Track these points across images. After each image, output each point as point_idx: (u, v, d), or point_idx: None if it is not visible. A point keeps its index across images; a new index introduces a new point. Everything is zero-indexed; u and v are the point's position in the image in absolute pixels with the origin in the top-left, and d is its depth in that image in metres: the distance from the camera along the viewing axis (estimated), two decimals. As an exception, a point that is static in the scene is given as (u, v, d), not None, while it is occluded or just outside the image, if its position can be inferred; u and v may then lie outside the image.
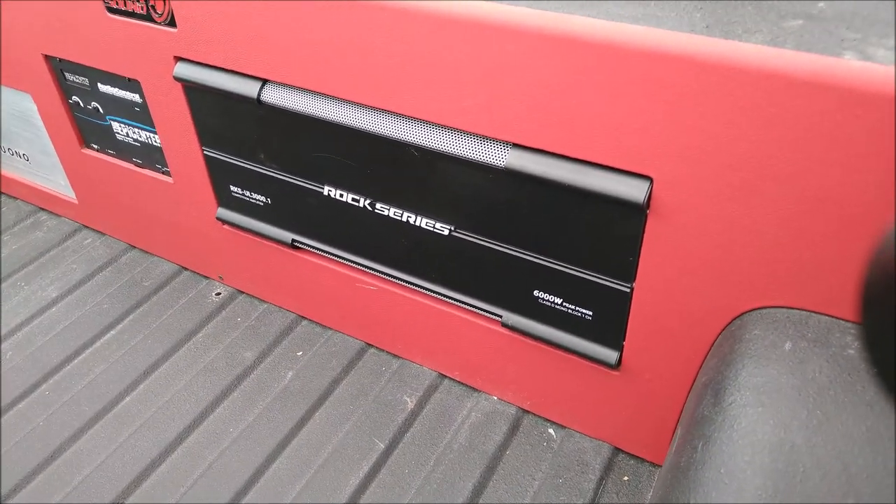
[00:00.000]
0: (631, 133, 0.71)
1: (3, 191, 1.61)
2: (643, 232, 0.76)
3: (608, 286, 0.83)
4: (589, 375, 0.94)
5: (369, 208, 0.98)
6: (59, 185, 1.47)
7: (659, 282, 0.79)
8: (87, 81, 1.20)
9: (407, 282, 1.03)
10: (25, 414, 1.13)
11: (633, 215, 0.75)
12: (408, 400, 1.10)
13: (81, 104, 1.25)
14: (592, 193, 0.76)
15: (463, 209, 0.89)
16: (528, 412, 1.07)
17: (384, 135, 0.88)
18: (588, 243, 0.81)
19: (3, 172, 1.56)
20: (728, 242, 0.72)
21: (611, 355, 0.89)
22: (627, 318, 0.85)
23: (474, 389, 1.11)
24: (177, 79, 1.04)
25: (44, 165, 1.46)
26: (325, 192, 1.01)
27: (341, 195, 1.00)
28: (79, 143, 1.32)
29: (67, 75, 1.22)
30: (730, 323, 0.77)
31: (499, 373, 1.05)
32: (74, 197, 1.46)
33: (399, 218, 0.96)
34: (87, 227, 1.51)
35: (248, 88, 0.97)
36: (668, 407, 0.89)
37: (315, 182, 1.02)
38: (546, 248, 0.86)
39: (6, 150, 1.50)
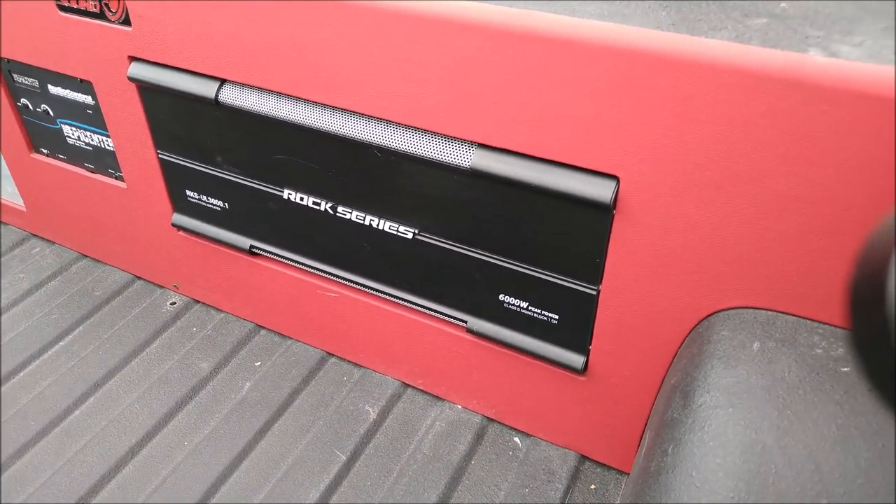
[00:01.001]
0: (597, 132, 0.70)
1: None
2: (609, 233, 0.75)
3: (574, 289, 0.82)
4: (555, 381, 0.92)
5: (331, 212, 0.96)
6: (6, 192, 1.41)
7: (625, 283, 0.78)
8: (36, 83, 1.16)
9: (369, 288, 1.01)
10: (-35, 429, 1.07)
11: (599, 216, 0.74)
12: (370, 410, 1.07)
13: (30, 107, 1.20)
14: (558, 194, 0.75)
15: (427, 212, 0.88)
16: (493, 420, 1.05)
17: (345, 135, 0.86)
18: (554, 245, 0.80)
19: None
20: (695, 242, 0.71)
21: (577, 360, 0.87)
22: (594, 322, 0.84)
23: (438, 398, 1.09)
24: (131, 79, 1.00)
25: (-10, 172, 1.40)
26: (285, 196, 0.99)
27: (302, 199, 0.97)
28: (27, 147, 1.27)
29: (16, 77, 1.18)
30: (697, 324, 0.76)
31: (463, 380, 1.03)
32: (23, 205, 1.40)
33: (361, 221, 0.94)
34: (37, 235, 1.45)
35: (206, 89, 0.94)
36: (635, 412, 0.88)
37: (274, 185, 0.99)
38: (512, 251, 0.84)
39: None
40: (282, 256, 1.07)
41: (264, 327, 1.22)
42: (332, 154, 0.90)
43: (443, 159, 0.80)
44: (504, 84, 0.72)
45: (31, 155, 1.28)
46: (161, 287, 1.32)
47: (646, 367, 0.83)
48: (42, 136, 1.24)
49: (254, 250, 1.09)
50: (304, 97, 0.88)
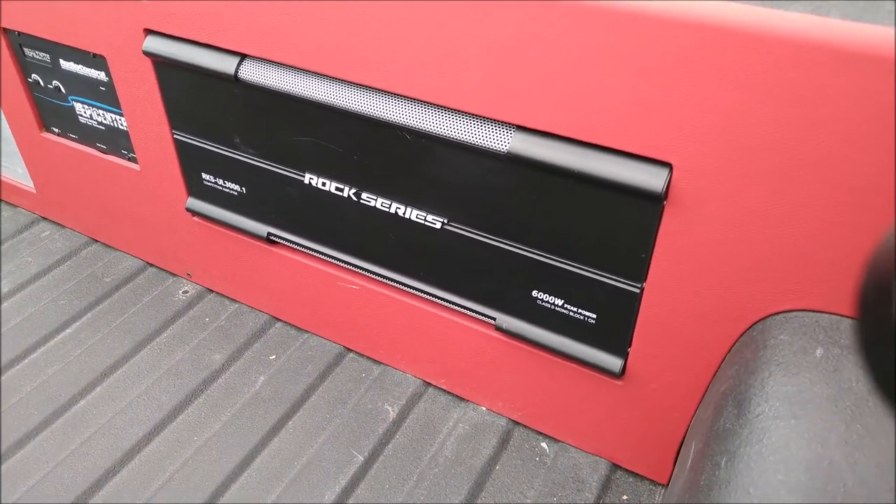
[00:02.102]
0: (649, 113, 0.64)
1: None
2: (658, 225, 0.69)
3: (615, 286, 0.76)
4: (588, 384, 0.87)
5: (354, 199, 0.91)
6: (16, 173, 1.37)
7: (672, 281, 0.72)
8: (48, 58, 1.11)
9: (393, 281, 0.96)
10: (-34, 418, 1.03)
11: (648, 206, 0.68)
12: (389, 409, 1.02)
13: (41, 83, 1.16)
14: (604, 182, 0.69)
15: (458, 200, 0.82)
16: (519, 424, 0.99)
17: (373, 116, 0.81)
18: (596, 238, 0.74)
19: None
20: (754, 237, 0.65)
21: (614, 363, 0.81)
22: (635, 322, 0.78)
23: (461, 399, 1.03)
24: (146, 53, 0.95)
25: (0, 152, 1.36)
26: (306, 181, 0.93)
27: (323, 184, 0.92)
28: (38, 126, 1.23)
29: (27, 51, 1.13)
30: (750, 327, 0.70)
31: (489, 381, 0.97)
32: (32, 186, 1.35)
33: (387, 209, 0.88)
34: (46, 218, 1.41)
35: (225, 64, 0.89)
36: (674, 419, 0.82)
37: (295, 169, 0.94)
38: (548, 244, 0.78)
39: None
40: (301, 245, 1.02)
41: (280, 319, 1.17)
42: (357, 136, 0.85)
43: (477, 143, 0.75)
44: (547, 60, 0.67)
45: (42, 134, 1.23)
46: (173, 275, 1.27)
47: (690, 371, 0.77)
48: (53, 115, 1.19)
49: (271, 238, 1.04)
50: (329, 74, 0.82)
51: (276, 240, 1.04)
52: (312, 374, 1.08)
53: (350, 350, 1.12)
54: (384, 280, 0.96)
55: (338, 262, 1.00)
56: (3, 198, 1.45)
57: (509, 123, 0.73)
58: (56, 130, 1.22)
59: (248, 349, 1.13)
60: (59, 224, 1.39)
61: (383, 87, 0.79)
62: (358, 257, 0.98)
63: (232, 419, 1.01)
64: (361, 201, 0.90)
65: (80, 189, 1.26)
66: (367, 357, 1.10)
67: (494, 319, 0.89)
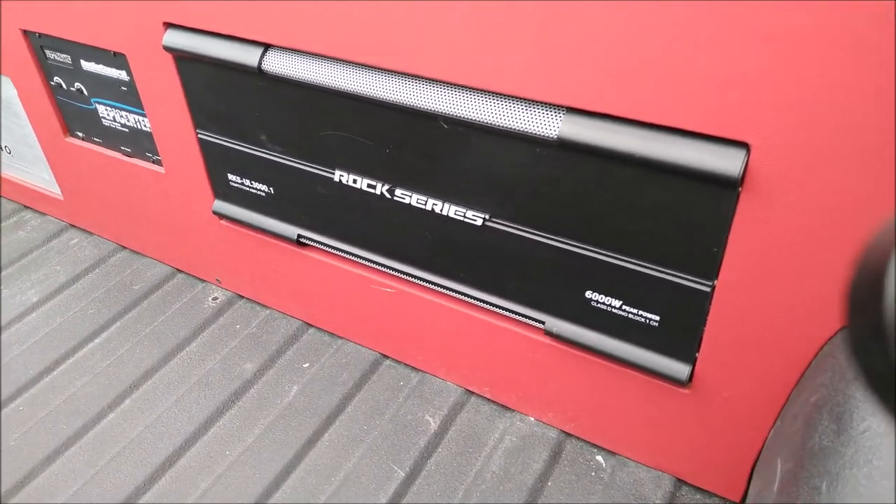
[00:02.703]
0: (724, 86, 0.56)
1: (-15, 187, 1.48)
2: (733, 215, 0.61)
3: (682, 285, 0.68)
4: (650, 393, 0.79)
5: (388, 196, 0.84)
6: (42, 179, 1.34)
7: (748, 278, 0.64)
8: (69, 59, 1.07)
9: (431, 283, 0.89)
10: (-8, 434, 0.99)
11: (721, 194, 0.60)
12: (430, 420, 0.95)
13: (64, 86, 1.12)
14: (669, 167, 0.61)
15: (501, 194, 0.75)
16: (571, 436, 0.92)
17: (406, 104, 0.74)
18: (660, 232, 0.66)
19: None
20: (843, 226, 0.57)
21: (681, 370, 0.73)
22: (704, 325, 0.70)
23: (507, 408, 0.96)
24: (167, 49, 0.90)
25: (26, 158, 1.32)
26: (336, 178, 0.87)
27: (355, 181, 0.86)
28: (62, 130, 1.19)
29: (48, 53, 1.09)
30: (842, 328, 0.61)
31: (538, 389, 0.90)
32: (60, 193, 1.32)
33: (423, 206, 0.82)
34: (75, 226, 1.37)
35: (248, 56, 0.83)
36: (749, 432, 0.74)
37: (324, 167, 0.88)
38: (604, 240, 0.71)
39: (-12, 142, 1.37)
40: (332, 247, 0.96)
41: (313, 325, 1.11)
42: (389, 128, 0.78)
43: (522, 129, 0.67)
44: (600, 31, 0.59)
45: (66, 139, 1.19)
46: (203, 281, 1.22)
47: (768, 379, 0.69)
48: (77, 118, 1.15)
49: (301, 240, 0.98)
50: (357, 61, 0.76)
51: (307, 242, 0.98)
52: (348, 382, 1.02)
53: (386, 357, 1.05)
54: (421, 282, 0.90)
55: (371, 265, 0.93)
56: (32, 206, 1.42)
57: (558, 105, 0.66)
58: (80, 134, 1.18)
59: (281, 357, 1.07)
60: (87, 231, 1.35)
61: (417, 72, 0.72)
62: (392, 259, 0.91)
63: (265, 432, 0.96)
64: (395, 198, 0.83)
65: (106, 195, 1.22)
66: (405, 364, 1.04)
67: (543, 323, 0.81)
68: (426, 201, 0.81)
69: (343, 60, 0.78)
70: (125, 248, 1.31)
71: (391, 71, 0.75)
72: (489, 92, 0.69)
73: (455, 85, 0.71)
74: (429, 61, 0.70)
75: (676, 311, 0.71)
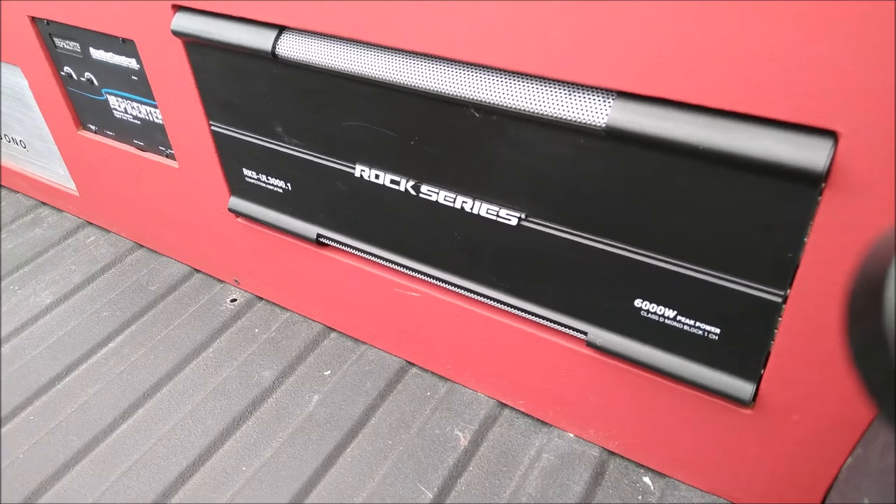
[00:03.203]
0: (809, 65, 0.47)
1: (3, 184, 1.44)
2: (814, 216, 0.52)
3: (749, 294, 0.60)
4: (706, 412, 0.70)
5: (412, 192, 0.76)
6: (58, 175, 1.29)
7: (827, 288, 0.55)
8: (78, 47, 1.01)
9: (460, 287, 0.81)
10: (4, 443, 0.93)
11: (802, 191, 0.52)
12: (460, 435, 0.88)
13: (74, 76, 1.06)
14: (739, 161, 0.52)
15: (538, 190, 0.67)
16: (615, 454, 0.84)
17: (433, 91, 0.66)
18: (724, 235, 0.58)
19: (3, 163, 1.38)
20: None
21: (743, 388, 0.65)
22: (773, 339, 0.61)
23: (544, 423, 0.88)
24: (176, 33, 0.83)
25: (41, 153, 1.27)
26: (357, 174, 0.80)
27: (377, 176, 0.78)
28: (75, 123, 1.13)
29: (57, 41, 1.03)
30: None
31: (578, 404, 0.82)
32: (75, 189, 1.27)
33: (451, 204, 0.74)
34: (91, 223, 1.32)
35: (261, 40, 0.76)
36: (822, 458, 0.65)
37: (344, 161, 0.80)
38: (658, 243, 0.62)
39: (4, 136, 1.32)
40: (353, 248, 0.89)
41: (335, 329, 1.05)
42: (414, 117, 0.71)
43: (564, 116, 0.59)
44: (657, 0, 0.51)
45: (79, 132, 1.14)
46: (221, 282, 1.16)
47: (846, 402, 0.60)
48: (88, 110, 1.10)
49: (321, 240, 0.91)
50: (378, 42, 0.68)
51: (327, 242, 0.91)
52: (371, 392, 0.95)
53: (412, 364, 0.98)
54: (449, 287, 0.82)
55: (395, 267, 0.86)
56: (48, 202, 1.37)
57: (607, 89, 0.57)
58: (92, 127, 1.12)
59: (301, 364, 1.00)
60: (104, 229, 1.30)
61: (443, 54, 0.64)
62: (418, 261, 0.84)
63: (283, 446, 0.89)
64: (421, 195, 0.76)
65: (121, 191, 1.16)
66: (433, 373, 0.96)
67: (585, 334, 0.73)
68: (455, 198, 0.73)
69: (363, 43, 0.70)
70: (142, 246, 1.25)
71: (416, 53, 0.67)
72: (525, 75, 0.61)
73: (486, 67, 0.63)
74: (456, 41, 0.62)
75: (741, 323, 0.62)
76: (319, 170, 0.84)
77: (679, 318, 0.66)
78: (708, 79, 0.51)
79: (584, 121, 0.58)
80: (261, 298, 1.11)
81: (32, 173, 1.34)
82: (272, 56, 0.76)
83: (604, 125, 0.57)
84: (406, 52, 0.68)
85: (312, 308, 1.05)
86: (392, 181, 0.77)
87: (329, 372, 0.99)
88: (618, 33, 0.53)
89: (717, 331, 0.64)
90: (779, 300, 0.58)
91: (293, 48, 0.75)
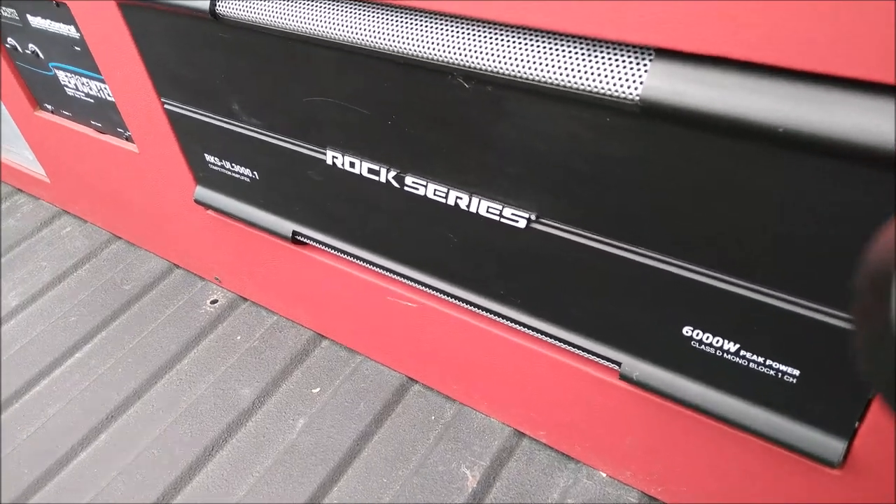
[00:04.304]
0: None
1: (-22, 169, 1.31)
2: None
3: (842, 329, 0.42)
4: (777, 468, 0.54)
5: (395, 185, 0.60)
6: (27, 160, 1.15)
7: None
8: (15, 14, 0.86)
9: (461, 300, 0.65)
10: (-59, 480, 0.82)
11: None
12: (467, 473, 0.73)
13: (19, 48, 0.91)
14: (833, 147, 0.35)
15: (552, 184, 0.50)
16: (657, 501, 0.68)
17: (410, 55, 0.50)
18: (807, 248, 0.41)
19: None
20: None
21: (831, 447, 0.48)
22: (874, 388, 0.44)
23: (570, 458, 0.73)
24: (104, -8, 0.68)
25: (7, 136, 1.14)
26: (329, 161, 0.64)
27: (351, 164, 0.62)
28: (31, 103, 0.99)
29: (-5, 8, 0.88)
30: None
31: (610, 441, 0.66)
32: (45, 174, 1.13)
33: (442, 200, 0.58)
34: (68, 212, 1.19)
35: (198, -4, 0.60)
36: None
37: (313, 145, 0.64)
38: (714, 255, 0.45)
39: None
40: (334, 248, 0.73)
41: (326, 337, 0.90)
42: (389, 90, 0.54)
43: (583, 87, 0.42)
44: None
45: (36, 112, 1.00)
46: (202, 279, 1.02)
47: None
48: (41, 88, 0.95)
49: (297, 238, 0.76)
50: (338, -7, 0.51)
51: (304, 240, 0.76)
52: (365, 415, 0.80)
53: (414, 381, 0.83)
54: (449, 299, 0.66)
55: (384, 272, 0.70)
56: (24, 189, 1.24)
57: (640, 46, 0.40)
58: (49, 107, 0.98)
59: (286, 380, 0.86)
60: (81, 219, 1.17)
61: (421, 6, 0.47)
62: (410, 266, 0.68)
63: (260, 481, 0.75)
64: (406, 188, 0.60)
65: (87, 177, 1.02)
66: (438, 392, 0.81)
67: (619, 364, 0.57)
68: (446, 193, 0.57)
69: (319, -6, 0.54)
70: (120, 238, 1.12)
71: (386, 5, 0.50)
72: (527, 29, 0.44)
73: (477, 21, 0.46)
74: None
75: (830, 364, 0.45)
76: (286, 155, 0.68)
77: (743, 353, 0.49)
78: (790, 30, 0.33)
79: (609, 92, 0.41)
80: (245, 299, 0.97)
81: (4, 158, 1.21)
82: (212, 15, 0.60)
83: (637, 97, 0.40)
84: (374, 3, 0.51)
85: (300, 313, 0.90)
86: (370, 170, 0.61)
87: (318, 390, 0.84)
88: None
89: (796, 372, 0.47)
90: (892, 342, 0.41)
91: (236, 5, 0.58)
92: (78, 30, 0.79)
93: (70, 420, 0.86)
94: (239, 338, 0.92)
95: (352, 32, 0.52)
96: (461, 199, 0.56)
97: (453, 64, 0.47)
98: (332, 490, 0.74)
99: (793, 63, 0.34)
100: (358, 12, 0.52)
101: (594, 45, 0.41)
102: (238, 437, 0.81)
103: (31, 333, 0.99)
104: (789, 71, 0.35)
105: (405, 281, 0.69)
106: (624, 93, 0.40)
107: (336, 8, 0.53)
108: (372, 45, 0.51)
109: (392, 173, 0.60)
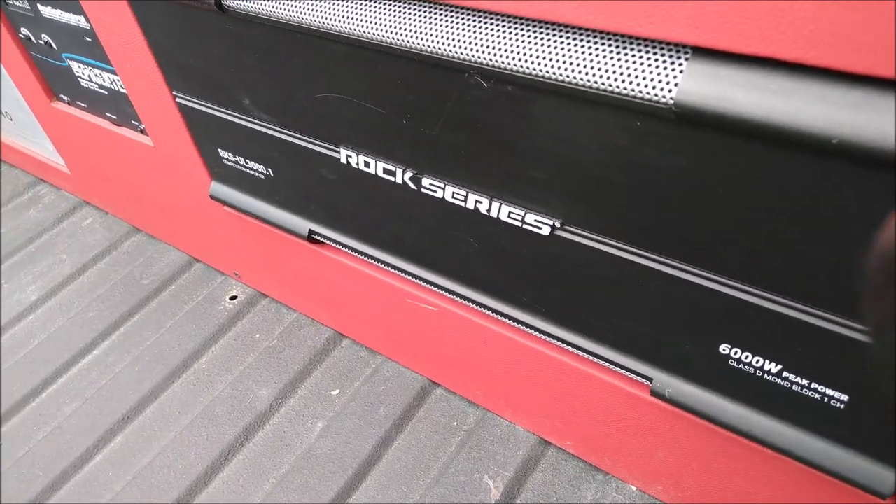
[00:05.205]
0: None
1: (3, 159, 1.31)
2: None
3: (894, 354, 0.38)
4: (822, 498, 0.50)
5: (412, 186, 0.57)
6: (48, 150, 1.14)
7: None
8: (26, 3, 0.84)
9: (483, 306, 0.62)
10: (-41, 480, 0.81)
11: None
12: (490, 484, 0.70)
13: (32, 38, 0.89)
14: (886, 159, 0.31)
15: (577, 190, 0.46)
16: (690, 517, 0.64)
17: (425, 50, 0.46)
18: (851, 266, 0.36)
19: (3, 138, 1.24)
20: None
21: (882, 477, 0.44)
22: (935, 419, 0.40)
23: (598, 470, 0.69)
24: (109, -18, 0.65)
25: (26, 125, 1.13)
26: (343, 159, 0.60)
27: (366, 164, 0.59)
28: (46, 94, 0.97)
29: (6, -3, 0.86)
30: None
31: (641, 454, 0.62)
32: (65, 165, 1.12)
33: (461, 203, 0.54)
34: (89, 203, 1.18)
35: (203, -14, 0.57)
36: None
37: (326, 143, 0.61)
38: (754, 271, 0.41)
39: (-6, 108, 1.18)
40: (351, 248, 0.70)
41: (347, 336, 0.87)
42: (403, 88, 0.50)
43: (610, 88, 0.38)
44: None
45: (52, 104, 0.98)
46: (222, 274, 1.00)
47: None
48: (56, 79, 0.93)
49: (314, 237, 0.73)
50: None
51: (320, 239, 0.73)
52: (385, 420, 0.77)
53: (437, 384, 0.80)
54: (469, 304, 0.63)
55: (402, 274, 0.67)
56: (46, 179, 1.23)
57: (675, 44, 0.36)
58: (65, 98, 0.96)
59: (305, 381, 0.84)
60: (102, 210, 1.16)
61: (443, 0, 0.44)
62: (429, 270, 0.64)
63: (276, 488, 0.73)
64: (423, 190, 0.56)
65: (105, 169, 1.00)
66: (461, 397, 0.78)
67: (650, 381, 0.53)
68: (465, 196, 0.53)
69: (328, -16, 0.50)
70: (140, 230, 1.10)
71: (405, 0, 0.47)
72: (547, 23, 0.40)
73: (495, 15, 0.42)
74: None
75: (882, 391, 0.41)
76: (300, 153, 0.65)
77: (786, 374, 0.45)
78: (850, 27, 0.29)
79: (640, 95, 0.37)
80: (265, 296, 0.95)
81: (26, 147, 1.20)
82: (218, 7, 0.56)
83: (671, 101, 0.36)
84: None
85: (320, 311, 0.87)
86: (385, 171, 0.58)
87: (337, 392, 0.82)
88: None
89: (844, 398, 0.43)
90: (959, 374, 0.37)
91: (243, -5, 0.55)
92: (88, 20, 0.76)
93: (86, 420, 0.85)
94: (258, 336, 0.90)
95: (359, 25, 0.49)
96: (481, 202, 0.53)
97: (469, 61, 0.44)
98: (350, 499, 0.71)
99: (850, 66, 0.30)
100: (366, 4, 0.48)
101: (623, 43, 0.37)
102: (255, 441, 0.79)
103: (49, 329, 0.98)
104: (847, 74, 0.31)
105: (424, 284, 0.66)
106: (657, 96, 0.36)
107: (351, 1, 0.50)
108: (382, 39, 0.48)
109: (408, 174, 0.56)
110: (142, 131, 0.86)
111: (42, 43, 0.88)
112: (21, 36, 0.91)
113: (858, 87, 0.31)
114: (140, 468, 0.78)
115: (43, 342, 0.95)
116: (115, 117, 0.89)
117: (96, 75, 0.84)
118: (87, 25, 0.77)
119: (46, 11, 0.81)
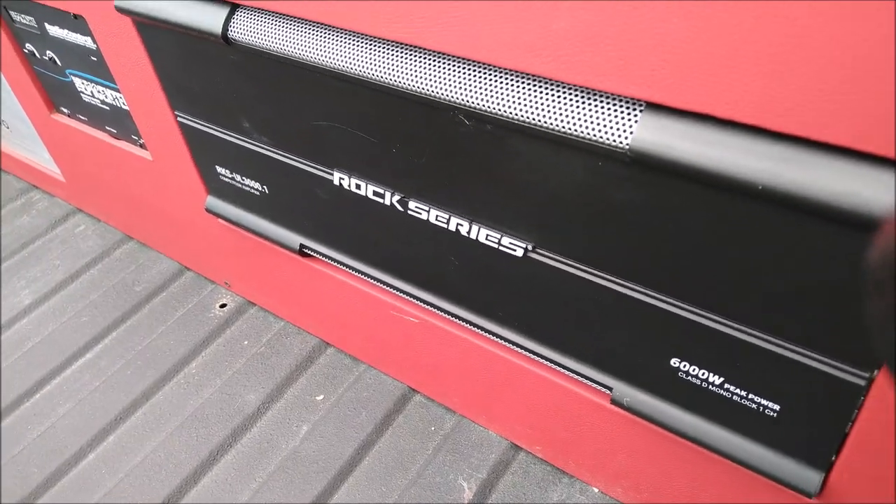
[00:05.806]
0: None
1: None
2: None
3: (822, 372, 0.44)
4: (758, 494, 0.56)
5: (399, 208, 0.62)
6: (43, 158, 1.18)
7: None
8: (34, 22, 0.88)
9: (461, 319, 0.67)
10: (-44, 476, 0.85)
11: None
12: (464, 485, 0.75)
13: (37, 54, 0.93)
14: (816, 206, 0.37)
15: (547, 218, 0.52)
16: (648, 516, 0.70)
17: (412, 90, 0.51)
18: (789, 294, 0.42)
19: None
20: None
21: (807, 478, 0.50)
22: (850, 425, 0.46)
23: (564, 473, 0.75)
24: (120, 10, 0.69)
25: (24, 134, 1.16)
26: (336, 181, 0.66)
27: (357, 186, 0.64)
28: (47, 106, 1.01)
29: (14, 15, 0.91)
30: None
31: (603, 458, 0.68)
32: (60, 173, 1.16)
33: (444, 225, 0.60)
34: (82, 210, 1.21)
35: (210, 20, 0.62)
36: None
37: (321, 166, 0.66)
38: (699, 295, 0.47)
39: (-9, 116, 1.22)
40: (340, 262, 0.75)
41: (332, 345, 0.92)
42: (394, 120, 0.56)
43: (576, 133, 0.44)
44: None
45: (52, 116, 1.02)
46: (212, 282, 1.04)
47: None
48: (58, 92, 0.98)
49: (305, 251, 0.78)
50: (348, 27, 0.53)
51: (311, 254, 0.78)
52: (367, 424, 0.82)
53: (416, 391, 0.85)
54: (449, 316, 0.68)
55: (387, 287, 0.72)
56: (40, 186, 1.27)
57: (632, 99, 0.42)
58: (65, 111, 1.00)
59: (291, 386, 0.88)
60: (95, 218, 1.19)
61: (423, 44, 0.49)
62: (413, 284, 0.70)
63: (262, 487, 0.78)
64: (409, 212, 0.61)
65: (102, 179, 1.05)
66: (438, 403, 0.83)
67: (611, 390, 0.59)
68: (448, 219, 0.59)
69: (328, 27, 0.55)
70: (132, 238, 1.14)
71: (388, 41, 0.52)
72: (524, 74, 0.46)
73: (477, 63, 0.48)
74: (446, 32, 0.47)
75: (808, 403, 0.47)
76: (295, 173, 0.70)
77: (727, 385, 0.50)
78: (781, 89, 0.35)
79: (600, 139, 0.43)
80: (253, 304, 0.99)
81: (21, 155, 1.24)
82: (224, 40, 0.61)
83: (627, 147, 0.42)
84: (376, 38, 0.53)
85: (307, 320, 0.92)
86: (375, 193, 0.63)
87: (322, 397, 0.87)
88: (648, 20, 0.37)
89: (777, 407, 0.49)
90: (862, 382, 0.43)
91: (247, 30, 0.60)
92: (94, 41, 0.81)
93: (80, 420, 0.89)
94: (246, 342, 0.95)
95: (357, 65, 0.54)
96: (462, 225, 0.58)
97: (454, 102, 0.49)
98: (332, 498, 0.76)
99: (775, 125, 0.36)
100: (364, 46, 0.54)
101: (588, 94, 0.43)
102: (242, 443, 0.83)
103: (42, 332, 1.01)
104: (768, 131, 0.37)
105: (408, 297, 0.71)
106: (615, 141, 0.42)
107: (343, 41, 0.55)
108: (377, 78, 0.53)
109: (396, 197, 0.61)
110: (141, 146, 0.90)
111: (46, 59, 0.92)
112: (25, 51, 0.95)
113: (778, 142, 0.37)
114: (132, 466, 0.82)
115: (37, 345, 0.99)
116: (114, 131, 0.94)
117: (98, 91, 0.89)
118: (93, 46, 0.82)
119: (54, 31, 0.86)
